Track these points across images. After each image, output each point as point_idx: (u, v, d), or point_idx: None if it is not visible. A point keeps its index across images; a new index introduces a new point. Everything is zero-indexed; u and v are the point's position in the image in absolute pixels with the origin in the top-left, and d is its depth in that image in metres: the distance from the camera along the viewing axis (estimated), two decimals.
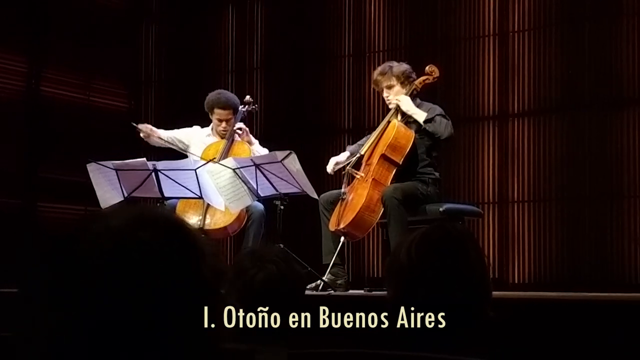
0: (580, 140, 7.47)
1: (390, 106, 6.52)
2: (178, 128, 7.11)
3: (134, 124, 6.91)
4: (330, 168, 6.55)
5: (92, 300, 1.04)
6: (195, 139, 6.99)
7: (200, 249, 1.11)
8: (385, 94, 6.50)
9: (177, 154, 6.89)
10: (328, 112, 8.73)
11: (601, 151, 7.36)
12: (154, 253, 1.06)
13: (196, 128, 7.05)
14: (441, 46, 8.16)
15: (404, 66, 6.52)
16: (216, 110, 6.84)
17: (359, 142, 6.77)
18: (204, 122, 7.03)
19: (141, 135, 6.90)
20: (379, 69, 6.59)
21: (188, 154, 6.80)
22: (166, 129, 7.17)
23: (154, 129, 6.94)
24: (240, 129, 6.79)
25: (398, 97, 6.40)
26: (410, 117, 6.42)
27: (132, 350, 1.03)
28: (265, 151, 6.76)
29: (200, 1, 9.58)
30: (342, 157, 6.62)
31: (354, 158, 6.51)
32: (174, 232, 1.10)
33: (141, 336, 1.04)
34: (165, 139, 6.95)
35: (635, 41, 7.31)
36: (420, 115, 6.31)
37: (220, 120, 6.84)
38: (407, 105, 6.37)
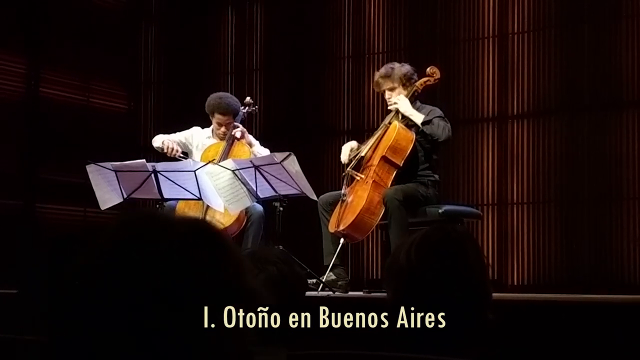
0: (580, 142, 7.48)
1: (391, 107, 6.52)
2: (177, 129, 7.09)
3: (158, 147, 6.85)
4: (345, 156, 6.51)
5: (114, 300, 1.03)
6: (196, 140, 6.99)
7: (225, 250, 1.10)
8: (387, 96, 6.50)
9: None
10: (327, 114, 8.73)
11: (600, 153, 7.37)
12: (177, 254, 1.05)
13: (196, 129, 7.04)
14: (441, 48, 8.17)
15: (406, 68, 6.51)
16: (216, 115, 6.84)
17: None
18: (204, 123, 7.03)
19: (166, 153, 6.83)
20: (381, 71, 6.57)
21: (187, 157, 6.81)
22: (165, 129, 7.16)
23: (173, 142, 6.88)
24: (238, 129, 6.79)
25: (397, 99, 6.39)
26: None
27: (155, 351, 1.03)
28: (267, 151, 6.77)
29: (200, 2, 9.59)
30: (354, 143, 6.60)
31: (354, 161, 6.50)
32: (199, 234, 1.09)
33: (159, 336, 1.03)
34: (180, 145, 6.94)
35: (634, 43, 7.31)
36: (418, 117, 6.31)
37: (220, 125, 6.84)
38: (405, 107, 6.37)
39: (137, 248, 1.05)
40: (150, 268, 1.04)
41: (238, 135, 6.78)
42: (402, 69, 6.49)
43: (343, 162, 6.55)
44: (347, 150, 6.53)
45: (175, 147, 6.79)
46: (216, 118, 6.84)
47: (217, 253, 1.09)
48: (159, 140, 6.90)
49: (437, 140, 6.29)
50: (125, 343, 1.02)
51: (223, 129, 6.83)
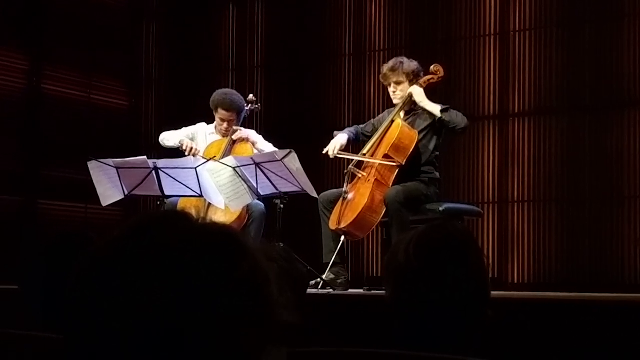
0: (581, 141, 7.48)
1: (395, 101, 6.51)
2: (178, 126, 7.10)
3: (177, 145, 6.84)
4: (333, 152, 6.46)
5: (127, 296, 1.02)
6: (200, 136, 6.99)
7: (241, 247, 1.09)
8: (392, 89, 6.50)
9: (178, 152, 6.87)
10: (328, 111, 8.73)
11: (601, 151, 7.37)
12: (190, 253, 1.05)
13: (201, 125, 7.05)
14: (442, 45, 8.17)
15: (414, 64, 6.50)
16: (220, 111, 6.85)
17: (357, 126, 6.75)
18: (206, 120, 7.03)
19: (187, 153, 6.80)
20: (390, 64, 6.55)
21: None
22: (167, 126, 7.16)
23: (190, 141, 6.86)
24: (238, 132, 6.81)
25: (412, 89, 6.39)
26: (413, 115, 6.44)
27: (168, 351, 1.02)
28: (270, 145, 6.78)
29: (201, 0, 9.59)
30: (343, 139, 6.56)
31: (356, 159, 6.48)
32: (209, 232, 1.08)
33: (172, 336, 1.02)
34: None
35: (636, 42, 7.31)
36: (434, 107, 6.31)
37: (223, 120, 6.85)
38: (421, 97, 6.37)
39: (153, 248, 1.04)
40: (164, 268, 1.03)
41: (241, 136, 6.79)
42: (410, 64, 6.49)
43: (329, 154, 6.46)
44: (337, 147, 6.44)
45: (195, 146, 6.78)
46: (219, 114, 6.85)
47: (235, 261, 1.08)
48: (174, 139, 6.89)
49: (455, 128, 6.29)
50: (137, 342, 1.01)
51: (225, 125, 6.83)
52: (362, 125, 6.81)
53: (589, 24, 7.52)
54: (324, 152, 6.49)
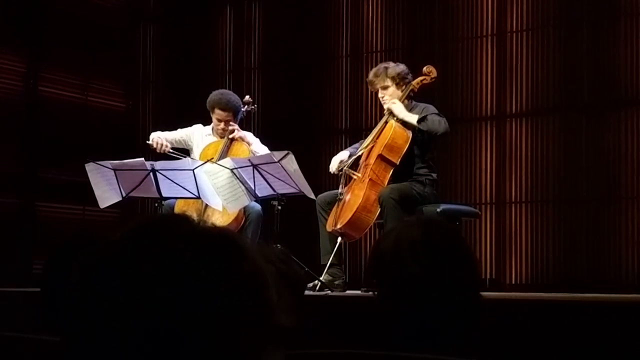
0: (578, 141, 7.48)
1: (385, 106, 6.53)
2: (176, 127, 7.10)
3: (148, 142, 6.89)
4: (335, 167, 6.52)
5: (125, 299, 1.02)
6: (196, 137, 6.99)
7: (240, 249, 1.08)
8: (380, 95, 6.51)
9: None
10: (325, 113, 8.73)
11: (599, 152, 7.37)
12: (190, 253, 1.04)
13: (197, 127, 7.05)
14: (439, 46, 8.17)
15: (400, 67, 6.51)
16: (216, 111, 6.86)
17: (355, 145, 6.78)
18: (202, 122, 7.03)
19: (155, 149, 6.85)
20: (374, 70, 6.58)
21: (178, 153, 6.81)
22: (163, 128, 7.16)
23: (163, 138, 6.88)
24: (235, 130, 6.82)
25: (391, 103, 6.40)
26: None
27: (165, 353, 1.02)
28: (265, 149, 6.78)
29: (199, 1, 9.59)
30: (345, 155, 6.60)
31: (352, 159, 6.51)
32: (211, 234, 1.08)
33: (169, 339, 1.02)
34: (173, 143, 6.93)
35: (633, 42, 7.32)
36: (412, 118, 6.30)
37: (220, 121, 6.85)
38: (399, 110, 6.36)
39: (154, 249, 1.04)
40: (164, 268, 1.03)
41: (236, 135, 6.80)
42: (396, 68, 6.49)
43: (331, 171, 6.56)
44: (337, 162, 6.53)
45: (164, 142, 6.81)
46: (216, 114, 6.85)
47: (235, 263, 1.08)
48: (151, 137, 6.93)
49: (436, 135, 6.28)
50: (137, 342, 1.01)
51: (222, 125, 6.84)
52: (356, 144, 6.81)
53: (586, 24, 7.53)
54: (330, 170, 6.54)
